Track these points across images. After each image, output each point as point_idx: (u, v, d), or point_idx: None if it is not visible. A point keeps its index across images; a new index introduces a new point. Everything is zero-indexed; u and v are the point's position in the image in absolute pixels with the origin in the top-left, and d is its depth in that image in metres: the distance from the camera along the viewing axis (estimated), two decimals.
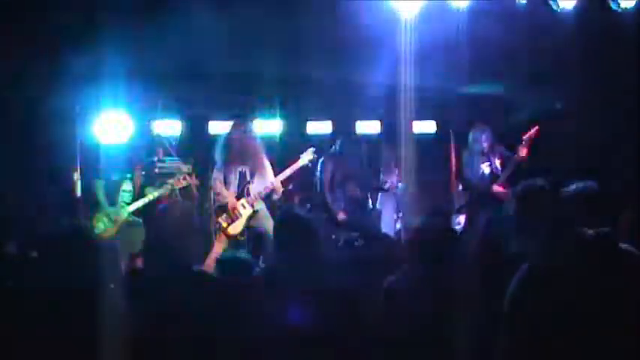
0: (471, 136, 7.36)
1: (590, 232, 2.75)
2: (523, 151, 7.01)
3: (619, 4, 6.14)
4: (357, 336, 3.26)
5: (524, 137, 7.06)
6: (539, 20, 6.21)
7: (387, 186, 7.44)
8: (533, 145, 7.03)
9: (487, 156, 7.28)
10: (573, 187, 3.26)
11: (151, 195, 6.81)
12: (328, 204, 7.14)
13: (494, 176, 7.23)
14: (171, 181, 7.08)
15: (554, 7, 6.11)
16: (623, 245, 2.79)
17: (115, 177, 6.75)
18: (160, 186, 7.24)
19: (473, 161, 7.34)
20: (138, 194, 6.85)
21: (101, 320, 2.85)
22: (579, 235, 2.73)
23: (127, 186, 6.79)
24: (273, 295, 3.30)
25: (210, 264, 6.69)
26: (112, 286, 3.05)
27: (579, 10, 6.20)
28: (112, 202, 6.73)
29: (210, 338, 3.15)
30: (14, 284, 3.43)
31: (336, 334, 3.19)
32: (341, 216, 7.07)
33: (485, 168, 7.28)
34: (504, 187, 7.05)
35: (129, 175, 6.81)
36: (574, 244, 2.70)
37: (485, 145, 7.26)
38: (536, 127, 7.06)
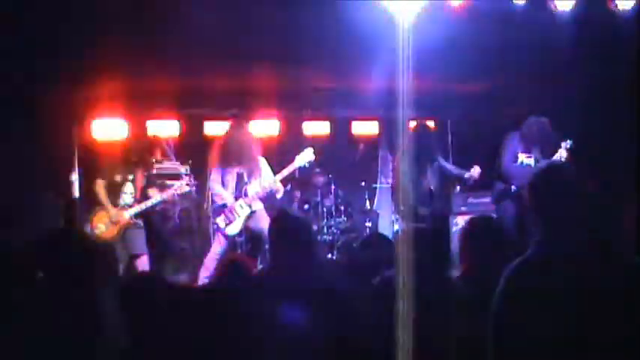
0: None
1: (585, 229, 2.74)
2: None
3: (617, 5, 6.15)
4: (353, 336, 3.26)
5: None
6: (538, 21, 6.21)
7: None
8: None
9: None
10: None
11: (154, 198, 6.81)
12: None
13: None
14: (174, 185, 7.07)
15: (553, 8, 6.11)
16: (617, 248, 2.78)
17: (117, 178, 6.72)
18: (160, 187, 7.23)
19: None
20: (140, 196, 6.81)
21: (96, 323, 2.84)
22: (577, 232, 2.72)
23: (129, 188, 6.76)
24: (269, 295, 3.30)
25: (208, 264, 6.71)
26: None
27: (578, 11, 6.20)
28: (114, 204, 6.70)
29: (206, 341, 3.14)
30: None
31: (332, 335, 3.19)
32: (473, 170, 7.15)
33: (526, 159, 7.03)
34: None
35: (130, 177, 6.78)
36: (574, 240, 2.69)
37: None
38: None
